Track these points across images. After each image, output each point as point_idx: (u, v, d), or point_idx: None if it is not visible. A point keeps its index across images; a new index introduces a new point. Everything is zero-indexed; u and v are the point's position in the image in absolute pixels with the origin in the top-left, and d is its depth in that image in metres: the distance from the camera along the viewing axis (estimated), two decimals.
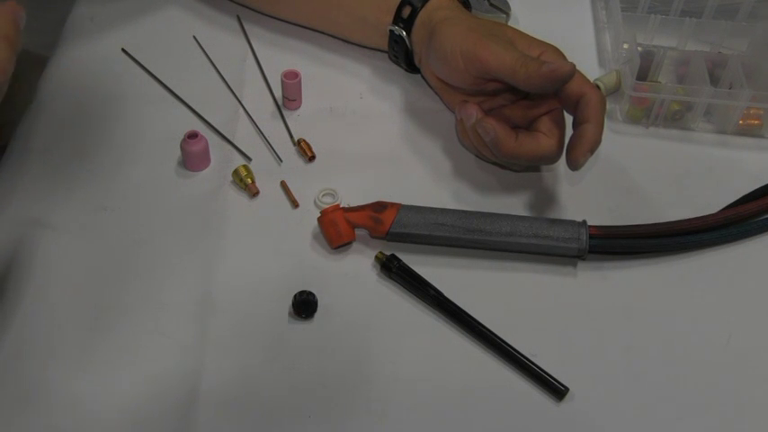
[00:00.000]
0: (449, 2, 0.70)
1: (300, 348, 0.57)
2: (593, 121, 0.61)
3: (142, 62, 0.75)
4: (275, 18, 0.79)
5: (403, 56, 0.73)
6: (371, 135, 0.71)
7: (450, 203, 0.66)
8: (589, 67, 0.78)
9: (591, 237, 0.61)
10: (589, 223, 0.62)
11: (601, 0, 0.85)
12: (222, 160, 0.68)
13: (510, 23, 0.80)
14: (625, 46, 0.75)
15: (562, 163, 0.64)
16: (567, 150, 0.62)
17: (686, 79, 0.75)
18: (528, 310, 0.60)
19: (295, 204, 0.65)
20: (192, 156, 0.66)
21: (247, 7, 0.80)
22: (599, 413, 0.55)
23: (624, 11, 0.76)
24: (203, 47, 0.77)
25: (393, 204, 0.62)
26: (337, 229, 0.61)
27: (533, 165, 0.68)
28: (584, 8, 0.85)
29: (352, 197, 0.65)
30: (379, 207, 0.62)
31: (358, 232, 0.63)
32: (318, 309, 0.58)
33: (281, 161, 0.68)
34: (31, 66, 0.79)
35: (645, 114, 0.73)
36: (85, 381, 0.55)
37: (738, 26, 0.77)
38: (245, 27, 0.79)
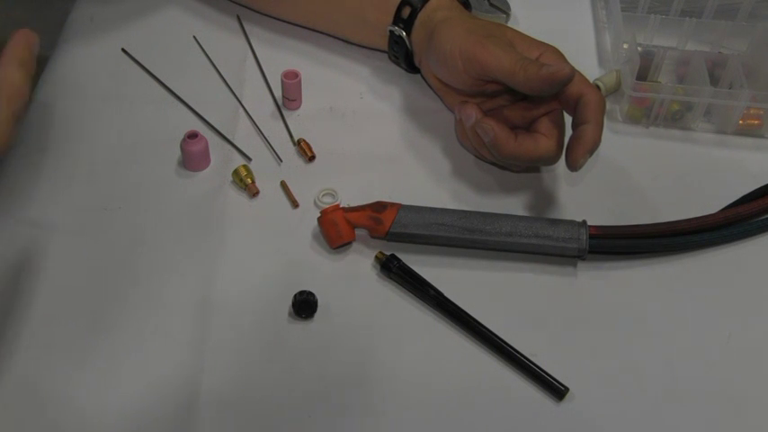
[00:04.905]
0: (449, 2, 0.70)
1: (300, 348, 0.57)
2: (593, 122, 0.61)
3: (142, 62, 0.75)
4: (275, 18, 0.79)
5: (403, 56, 0.73)
6: (371, 135, 0.71)
7: (450, 203, 0.66)
8: (589, 67, 0.78)
9: (591, 237, 0.61)
10: (589, 223, 0.62)
11: (601, 0, 0.85)
12: (222, 160, 0.68)
13: (510, 23, 0.80)
14: (625, 46, 0.75)
15: (562, 163, 0.63)
16: (566, 151, 0.62)
17: (686, 79, 0.75)
18: (528, 310, 0.60)
19: (295, 204, 0.66)
20: (191, 156, 0.66)
21: (247, 7, 0.80)
22: (599, 413, 0.55)
23: (624, 11, 0.76)
24: (203, 47, 0.77)
25: (393, 204, 0.62)
26: (337, 229, 0.61)
27: (533, 165, 0.68)
28: (584, 8, 0.85)
29: (352, 197, 0.65)
30: (379, 207, 0.62)
31: (358, 232, 0.63)
32: (318, 309, 0.58)
33: (281, 161, 0.69)
34: None
35: (645, 114, 0.73)
36: (85, 381, 0.55)
37: (738, 26, 0.77)
38: (245, 27, 0.79)
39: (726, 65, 0.73)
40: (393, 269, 0.60)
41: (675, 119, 0.73)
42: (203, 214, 0.64)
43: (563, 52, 0.65)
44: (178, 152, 0.67)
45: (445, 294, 0.59)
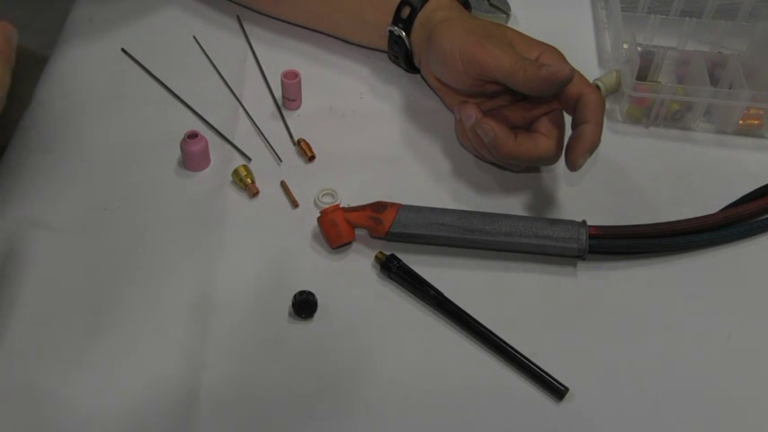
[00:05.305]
0: (448, 2, 0.70)
1: (300, 348, 0.57)
2: (592, 122, 0.61)
3: (142, 62, 0.75)
4: (275, 18, 0.79)
5: (402, 56, 0.73)
6: (371, 135, 0.71)
7: (450, 203, 0.66)
8: (589, 67, 0.78)
9: (591, 237, 0.61)
10: (589, 223, 0.62)
11: (601, 0, 0.85)
12: (222, 160, 0.68)
13: (510, 23, 0.80)
14: (625, 46, 0.75)
15: (561, 163, 0.63)
16: (565, 151, 0.62)
17: (686, 79, 0.75)
18: (528, 310, 0.60)
19: (295, 204, 0.65)
20: (191, 156, 0.66)
21: (247, 7, 0.80)
22: (599, 413, 0.55)
23: (624, 11, 0.76)
24: (203, 47, 0.77)
25: (393, 204, 0.62)
26: (337, 229, 0.61)
27: (532, 165, 0.68)
28: (584, 8, 0.85)
29: (352, 197, 0.65)
30: (379, 207, 0.62)
31: (358, 232, 0.63)
32: (318, 309, 0.58)
33: (281, 161, 0.69)
34: (31, 66, 0.80)
35: (645, 114, 0.73)
36: (85, 380, 0.55)
37: (738, 26, 0.77)
38: (245, 27, 0.79)
39: (726, 65, 0.73)
40: (393, 269, 0.60)
41: (675, 119, 0.73)
42: (203, 214, 0.64)
43: (563, 52, 0.65)
44: (178, 152, 0.67)
45: (445, 294, 0.59)
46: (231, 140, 0.69)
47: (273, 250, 0.62)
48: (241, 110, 0.72)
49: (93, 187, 0.66)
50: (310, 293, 0.58)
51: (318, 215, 0.62)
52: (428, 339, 0.58)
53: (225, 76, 0.75)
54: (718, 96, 0.71)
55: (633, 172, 0.70)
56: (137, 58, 0.76)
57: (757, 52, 0.75)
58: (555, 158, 0.64)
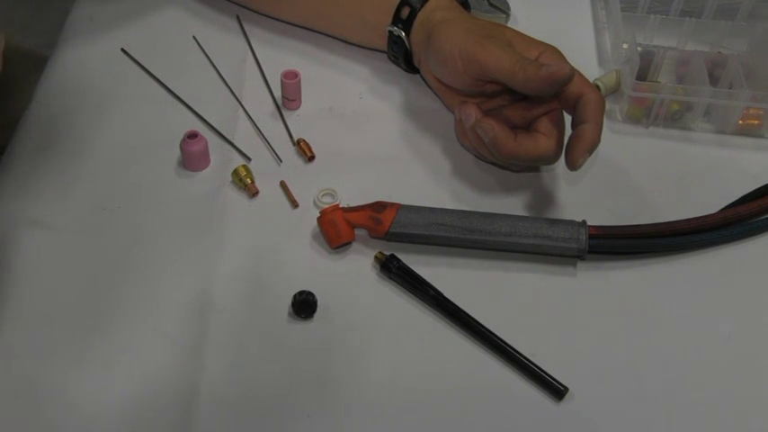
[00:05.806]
0: (448, 2, 0.70)
1: (300, 348, 0.57)
2: (592, 122, 0.61)
3: (142, 62, 0.75)
4: (275, 18, 0.79)
5: (402, 56, 0.73)
6: (371, 135, 0.71)
7: (449, 203, 0.66)
8: (589, 67, 0.78)
9: (591, 237, 0.61)
10: (589, 223, 0.62)
11: (601, 0, 0.85)
12: (222, 160, 0.68)
13: (509, 23, 0.80)
14: (625, 46, 0.75)
15: (561, 163, 0.63)
16: (565, 151, 0.62)
17: (686, 79, 0.75)
18: (528, 310, 0.60)
19: (294, 204, 0.66)
20: (191, 156, 0.66)
21: (247, 7, 0.80)
22: (599, 413, 0.55)
23: (624, 11, 0.76)
24: (203, 47, 0.77)
25: (392, 204, 0.62)
26: (336, 229, 0.61)
27: (532, 165, 0.68)
28: (583, 8, 0.85)
29: (352, 197, 0.65)
30: (379, 207, 0.62)
31: (357, 232, 0.63)
32: (318, 309, 0.58)
33: (281, 161, 0.69)
34: (31, 66, 0.80)
35: (645, 114, 0.73)
36: (85, 380, 0.55)
37: (738, 26, 0.77)
38: (245, 27, 0.79)
39: (726, 65, 0.73)
40: (393, 269, 0.60)
41: (675, 119, 0.73)
42: (203, 214, 0.64)
43: (563, 52, 0.65)
44: (178, 152, 0.67)
45: (445, 294, 0.59)
46: (231, 140, 0.69)
47: (273, 250, 0.62)
48: (241, 110, 0.72)
49: (93, 187, 0.66)
50: (310, 293, 0.58)
51: (318, 215, 0.62)
52: (428, 339, 0.58)
53: (225, 76, 0.75)
54: (717, 96, 0.71)
55: (633, 172, 0.70)
56: (137, 58, 0.76)
57: (757, 52, 0.75)
58: (555, 158, 0.64)
